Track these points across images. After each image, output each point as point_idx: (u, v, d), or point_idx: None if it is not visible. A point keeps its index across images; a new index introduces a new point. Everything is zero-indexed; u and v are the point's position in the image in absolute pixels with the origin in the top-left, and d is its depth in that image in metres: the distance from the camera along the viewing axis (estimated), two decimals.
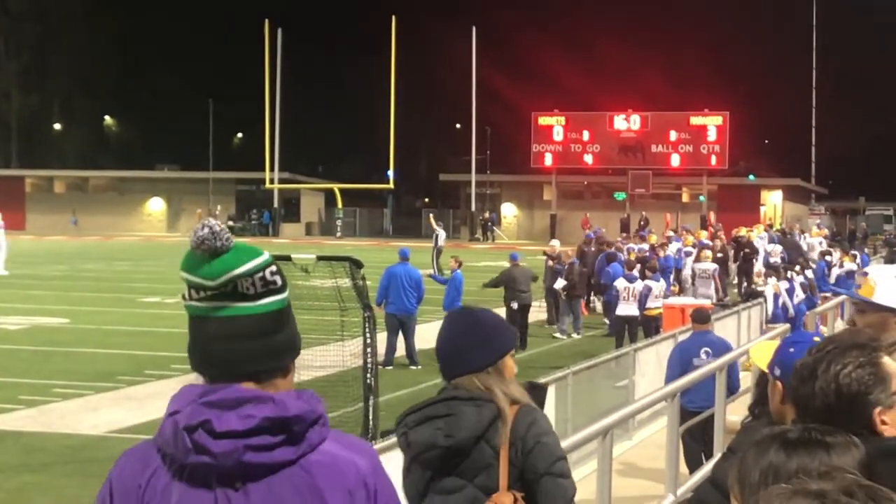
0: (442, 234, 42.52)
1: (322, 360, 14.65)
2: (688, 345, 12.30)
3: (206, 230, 2.50)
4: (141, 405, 15.67)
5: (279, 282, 2.58)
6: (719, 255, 31.84)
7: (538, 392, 4.46)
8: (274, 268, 2.56)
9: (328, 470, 2.54)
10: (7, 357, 19.96)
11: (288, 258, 14.03)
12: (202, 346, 2.56)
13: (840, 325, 19.69)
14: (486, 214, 74.03)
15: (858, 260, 30.81)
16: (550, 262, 25.86)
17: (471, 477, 4.19)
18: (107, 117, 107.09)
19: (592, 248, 30.51)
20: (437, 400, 4.24)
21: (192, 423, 2.47)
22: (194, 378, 2.60)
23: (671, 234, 35.85)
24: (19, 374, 18.12)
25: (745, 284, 30.89)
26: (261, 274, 2.54)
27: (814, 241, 37.86)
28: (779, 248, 33.90)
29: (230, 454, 2.46)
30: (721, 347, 12.05)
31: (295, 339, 2.65)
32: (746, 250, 33.11)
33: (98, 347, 21.33)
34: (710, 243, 33.00)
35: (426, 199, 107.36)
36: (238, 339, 2.53)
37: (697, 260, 29.66)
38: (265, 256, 2.57)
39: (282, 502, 2.51)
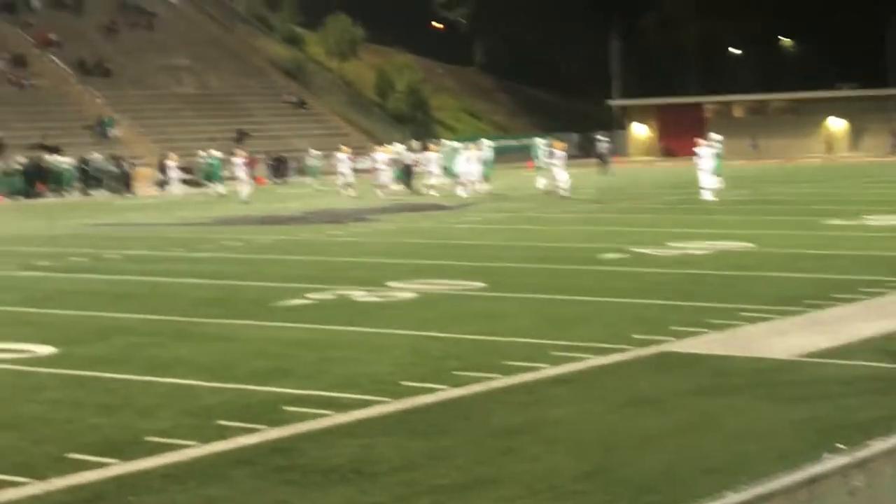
0: None
1: None
2: None
3: None
4: (830, 329, 15.30)
5: None
6: None
7: None
8: None
9: None
10: (693, 281, 20.38)
11: None
12: None
13: None
14: None
15: None
16: None
17: None
18: (784, 38, 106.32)
19: None
20: None
21: None
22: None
23: None
24: (705, 298, 18.41)
25: None
26: None
27: None
28: None
29: None
30: None
31: None
32: None
33: (782, 271, 21.15)
34: None
35: None
36: None
37: None
38: None
39: None
